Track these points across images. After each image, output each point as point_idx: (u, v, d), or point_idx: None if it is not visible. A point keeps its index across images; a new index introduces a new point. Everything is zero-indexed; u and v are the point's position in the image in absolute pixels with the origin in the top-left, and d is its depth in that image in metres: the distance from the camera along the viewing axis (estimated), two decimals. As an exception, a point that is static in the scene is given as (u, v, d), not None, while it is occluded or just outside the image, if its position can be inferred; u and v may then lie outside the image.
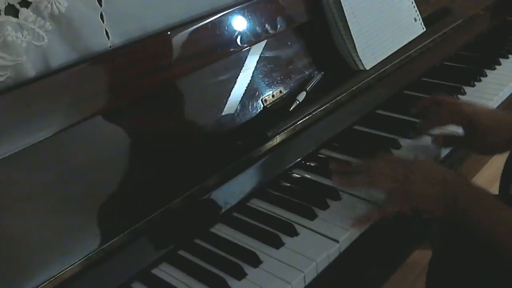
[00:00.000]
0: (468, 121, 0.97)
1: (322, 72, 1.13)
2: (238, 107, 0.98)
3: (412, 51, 1.27)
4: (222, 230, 0.89)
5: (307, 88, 1.08)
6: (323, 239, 0.84)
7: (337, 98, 1.10)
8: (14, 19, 0.77)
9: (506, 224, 0.76)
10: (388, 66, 1.20)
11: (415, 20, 1.30)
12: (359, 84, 1.14)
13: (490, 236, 0.76)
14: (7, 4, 0.76)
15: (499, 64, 1.37)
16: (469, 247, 0.84)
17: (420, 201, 0.82)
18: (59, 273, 0.73)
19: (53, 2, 0.80)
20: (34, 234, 0.74)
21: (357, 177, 0.88)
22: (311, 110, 1.05)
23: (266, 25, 1.05)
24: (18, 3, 0.77)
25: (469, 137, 0.98)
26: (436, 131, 1.04)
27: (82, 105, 0.80)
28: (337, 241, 0.83)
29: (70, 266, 0.74)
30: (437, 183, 0.81)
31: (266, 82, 1.04)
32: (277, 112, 1.03)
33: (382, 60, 1.19)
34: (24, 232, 0.73)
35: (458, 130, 1.01)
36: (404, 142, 1.07)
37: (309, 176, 1.01)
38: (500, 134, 0.95)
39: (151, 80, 0.88)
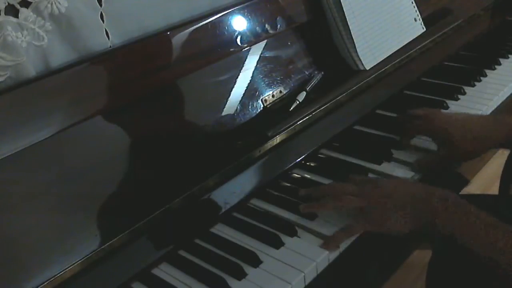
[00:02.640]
0: (439, 132, 0.98)
1: (322, 72, 1.13)
2: (238, 107, 0.98)
3: (412, 51, 1.27)
4: (222, 230, 0.89)
5: (307, 88, 1.08)
6: (323, 239, 0.84)
7: (337, 98, 1.10)
8: (14, 19, 0.77)
9: (497, 243, 0.74)
10: (388, 66, 1.20)
11: (415, 20, 1.30)
12: (359, 84, 1.14)
13: (480, 255, 0.74)
14: (7, 4, 0.76)
15: (499, 64, 1.37)
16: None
17: (388, 221, 0.81)
18: (59, 273, 0.73)
19: (53, 2, 0.80)
20: (34, 234, 0.74)
21: (323, 200, 0.88)
22: (311, 110, 1.05)
23: (266, 25, 1.05)
24: (18, 3, 0.77)
25: (444, 148, 0.99)
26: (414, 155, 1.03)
27: (82, 105, 0.80)
28: (337, 241, 0.83)
29: (70, 266, 0.74)
30: (406, 202, 0.80)
31: (266, 82, 1.04)
32: (277, 112, 1.03)
33: (382, 60, 1.19)
34: (24, 232, 0.73)
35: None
36: (404, 142, 1.07)
37: (309, 176, 1.01)
38: (474, 140, 0.95)
39: (151, 80, 0.88)
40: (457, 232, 0.76)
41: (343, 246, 0.84)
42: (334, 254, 0.82)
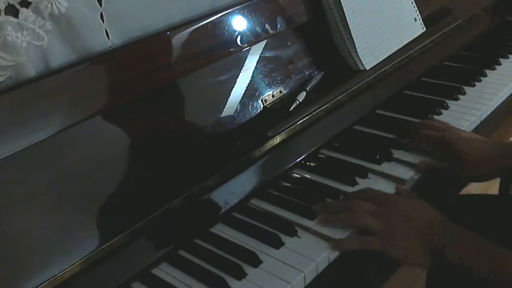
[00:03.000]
0: (454, 151, 0.97)
1: (322, 72, 1.13)
2: (238, 107, 0.98)
3: (412, 51, 1.27)
4: (222, 230, 0.89)
5: (307, 88, 1.08)
6: (323, 239, 0.84)
7: (337, 98, 1.10)
8: (14, 19, 0.77)
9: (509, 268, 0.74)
10: (388, 66, 1.20)
11: (415, 20, 1.30)
12: (359, 84, 1.14)
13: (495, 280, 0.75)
14: (7, 4, 0.76)
15: (499, 64, 1.37)
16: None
17: (404, 249, 0.80)
18: (59, 273, 0.73)
19: (53, 2, 0.80)
20: (34, 234, 0.74)
21: (340, 215, 0.86)
22: (311, 110, 1.05)
23: (266, 25, 1.05)
24: (18, 3, 0.77)
25: (453, 165, 0.98)
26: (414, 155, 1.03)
27: (82, 105, 0.80)
28: (337, 241, 0.83)
29: (70, 266, 0.74)
30: (419, 232, 0.80)
31: (266, 82, 1.04)
32: (277, 112, 1.03)
33: (382, 60, 1.19)
34: (24, 232, 0.73)
35: None
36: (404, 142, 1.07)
37: (309, 176, 1.01)
38: (485, 166, 0.94)
39: (151, 80, 0.88)
40: (466, 261, 0.76)
41: (343, 246, 0.84)
42: (334, 254, 0.82)
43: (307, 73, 1.12)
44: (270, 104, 1.03)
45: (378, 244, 0.81)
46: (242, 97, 1.00)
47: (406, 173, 0.98)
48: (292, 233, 0.86)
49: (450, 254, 0.77)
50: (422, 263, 0.80)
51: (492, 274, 0.74)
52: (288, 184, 0.99)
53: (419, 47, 1.29)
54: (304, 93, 1.07)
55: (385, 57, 1.20)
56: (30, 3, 0.78)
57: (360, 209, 0.85)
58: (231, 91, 0.99)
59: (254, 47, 1.03)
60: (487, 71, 1.33)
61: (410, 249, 0.80)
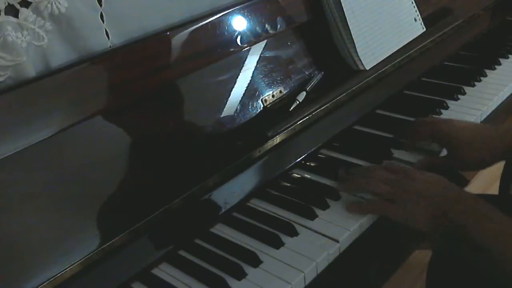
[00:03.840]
0: (447, 139, 0.97)
1: (322, 72, 1.13)
2: (238, 107, 0.98)
3: (412, 51, 1.27)
4: (222, 230, 0.89)
5: (307, 88, 1.08)
6: (323, 239, 0.84)
7: (337, 98, 1.10)
8: (14, 19, 0.77)
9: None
10: (388, 66, 1.20)
11: (415, 20, 1.30)
12: (359, 84, 1.14)
13: (496, 253, 0.75)
14: (7, 4, 0.76)
15: (499, 64, 1.37)
16: (468, 249, 0.83)
17: (413, 218, 0.82)
18: (59, 273, 0.73)
19: (53, 2, 0.80)
20: (34, 234, 0.74)
21: (356, 180, 0.91)
22: (311, 110, 1.05)
23: (266, 25, 1.05)
24: (18, 3, 0.77)
25: (450, 155, 0.98)
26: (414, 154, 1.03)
27: (82, 105, 0.80)
28: (337, 241, 0.84)
29: (70, 266, 0.74)
30: (427, 197, 0.82)
31: (266, 82, 1.04)
32: (277, 112, 1.03)
33: (382, 60, 1.19)
34: (24, 232, 0.73)
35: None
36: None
37: (309, 176, 1.01)
38: (483, 149, 0.95)
39: (151, 80, 0.88)
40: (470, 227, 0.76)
41: (343, 246, 0.84)
42: (334, 254, 0.83)
43: (307, 73, 1.12)
44: (270, 104, 1.03)
45: (384, 208, 0.85)
46: (242, 97, 1.00)
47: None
48: (292, 233, 0.86)
49: (460, 220, 0.77)
50: (424, 227, 0.81)
51: (499, 245, 0.74)
52: (288, 184, 0.99)
53: (419, 47, 1.29)
54: (304, 93, 1.07)
55: (385, 57, 1.20)
56: (30, 3, 0.78)
57: (378, 175, 0.89)
58: (231, 91, 0.99)
59: (254, 47, 1.03)
60: (487, 71, 1.33)
61: (415, 215, 0.81)
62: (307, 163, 1.05)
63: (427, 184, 0.85)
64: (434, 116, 1.15)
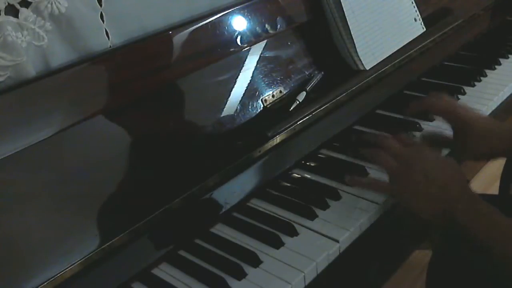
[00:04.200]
0: (462, 125, 0.95)
1: (322, 72, 1.13)
2: (238, 107, 0.98)
3: (412, 51, 1.27)
4: (222, 230, 0.89)
5: (307, 88, 1.08)
6: (323, 239, 0.84)
7: (337, 98, 1.09)
8: (14, 19, 0.77)
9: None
10: (388, 66, 1.20)
11: (415, 20, 1.30)
12: (359, 84, 1.14)
13: (494, 252, 0.75)
14: (7, 4, 0.76)
15: (499, 64, 1.37)
16: (468, 249, 0.83)
17: (414, 200, 0.81)
18: (59, 273, 0.73)
19: (53, 2, 0.80)
20: (34, 234, 0.74)
21: (366, 150, 0.90)
22: (311, 110, 1.05)
23: (266, 25, 1.05)
24: (18, 3, 0.77)
25: (460, 142, 0.96)
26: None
27: (82, 105, 0.80)
28: (337, 241, 0.84)
29: (70, 266, 0.74)
30: (431, 182, 0.80)
31: (266, 82, 1.04)
32: (277, 112, 1.03)
33: (382, 60, 1.19)
34: (24, 232, 0.73)
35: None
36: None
37: (309, 176, 1.01)
38: (492, 142, 0.93)
39: (151, 80, 0.88)
40: (472, 226, 0.76)
41: (343, 246, 0.84)
42: (334, 254, 0.83)
43: (307, 73, 1.12)
44: (270, 104, 1.03)
45: (385, 188, 0.85)
46: (242, 97, 1.00)
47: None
48: (292, 233, 0.86)
49: (460, 219, 0.76)
50: (422, 214, 0.81)
51: (498, 246, 0.74)
52: (288, 184, 0.99)
53: (419, 47, 1.28)
54: (304, 93, 1.07)
55: (385, 57, 1.20)
56: (30, 3, 0.79)
57: (387, 148, 0.87)
58: (231, 91, 0.99)
59: (254, 47, 1.03)
60: (487, 71, 1.33)
61: (415, 197, 0.80)
62: (307, 163, 1.05)
63: (436, 166, 0.82)
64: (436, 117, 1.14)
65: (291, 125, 1.01)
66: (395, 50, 1.23)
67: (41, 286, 0.71)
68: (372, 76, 1.16)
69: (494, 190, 1.34)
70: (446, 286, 0.97)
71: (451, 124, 0.98)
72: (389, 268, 0.89)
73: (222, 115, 0.96)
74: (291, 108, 1.04)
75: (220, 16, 0.97)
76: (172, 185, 0.86)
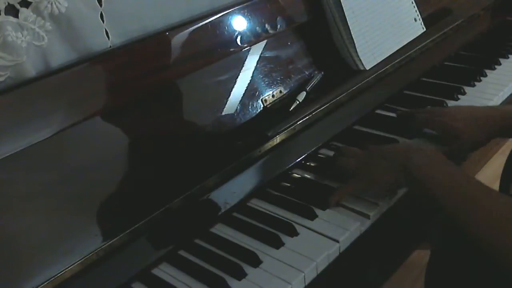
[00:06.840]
0: (444, 126, 1.01)
1: (322, 72, 1.13)
2: (238, 107, 0.98)
3: (412, 51, 1.27)
4: (222, 230, 0.89)
5: (307, 88, 1.08)
6: (323, 239, 0.84)
7: (337, 98, 1.10)
8: (14, 19, 0.77)
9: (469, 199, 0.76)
10: (388, 66, 1.20)
11: (415, 20, 1.30)
12: (359, 84, 1.14)
13: (450, 209, 0.77)
14: (7, 4, 0.76)
15: (499, 64, 1.37)
16: (467, 247, 0.83)
17: (372, 173, 0.88)
18: (59, 273, 0.73)
19: (53, 2, 0.80)
20: (34, 234, 0.74)
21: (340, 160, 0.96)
22: (311, 110, 1.05)
23: (266, 25, 1.05)
24: (18, 3, 0.77)
25: (453, 142, 1.00)
26: None
27: (82, 105, 0.80)
28: (337, 241, 0.83)
29: (70, 266, 0.74)
30: (389, 156, 0.87)
31: (266, 82, 1.04)
32: (277, 112, 1.03)
33: (382, 60, 1.19)
34: (24, 232, 0.73)
35: None
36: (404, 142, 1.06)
37: (309, 176, 1.01)
38: (475, 127, 0.98)
39: (151, 80, 0.88)
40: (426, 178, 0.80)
41: (343, 246, 0.84)
42: (334, 254, 0.83)
43: (307, 73, 1.12)
44: (270, 104, 1.03)
45: (352, 183, 0.90)
46: (242, 97, 1.00)
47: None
48: (292, 233, 0.86)
49: (416, 173, 0.81)
50: (385, 184, 0.87)
51: (461, 213, 0.75)
52: (288, 184, 0.99)
53: (419, 47, 1.29)
54: (304, 93, 1.07)
55: (385, 57, 1.20)
56: (30, 3, 0.79)
57: (348, 154, 0.96)
58: (231, 91, 0.99)
59: (254, 47, 1.03)
60: (487, 71, 1.33)
61: (378, 174, 0.87)
62: (307, 163, 1.05)
63: (392, 149, 0.90)
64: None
65: (291, 125, 1.01)
66: (395, 50, 1.23)
67: (41, 286, 0.71)
68: (372, 76, 1.16)
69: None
70: (444, 286, 0.97)
71: (439, 131, 1.04)
72: (389, 268, 0.89)
73: (222, 115, 0.96)
74: (291, 108, 1.04)
75: (220, 16, 0.97)
76: (172, 185, 0.86)
